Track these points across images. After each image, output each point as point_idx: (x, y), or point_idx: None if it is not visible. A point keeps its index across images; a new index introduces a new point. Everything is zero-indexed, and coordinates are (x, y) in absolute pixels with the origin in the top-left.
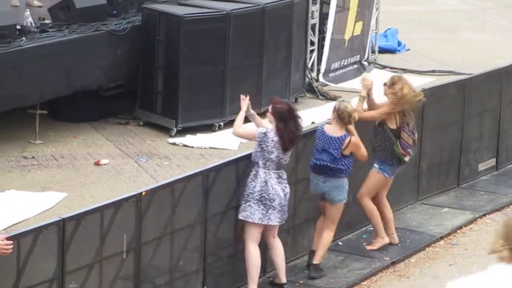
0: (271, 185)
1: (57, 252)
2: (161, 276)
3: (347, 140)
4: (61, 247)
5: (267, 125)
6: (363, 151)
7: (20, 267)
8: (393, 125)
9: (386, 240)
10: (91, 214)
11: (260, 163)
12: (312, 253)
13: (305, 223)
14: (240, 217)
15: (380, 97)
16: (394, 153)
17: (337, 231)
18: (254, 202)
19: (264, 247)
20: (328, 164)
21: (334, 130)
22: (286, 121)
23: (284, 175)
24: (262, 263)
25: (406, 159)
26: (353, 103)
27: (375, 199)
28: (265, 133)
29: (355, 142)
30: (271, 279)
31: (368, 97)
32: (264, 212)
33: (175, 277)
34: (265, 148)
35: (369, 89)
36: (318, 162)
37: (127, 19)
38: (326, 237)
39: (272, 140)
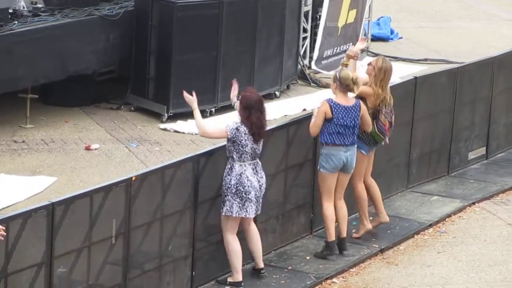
0: (246, 177)
1: (46, 237)
2: (150, 261)
3: (362, 106)
4: (50, 231)
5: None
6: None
7: (8, 251)
8: (371, 105)
9: (368, 226)
10: (80, 199)
11: (235, 156)
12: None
13: (295, 210)
14: (222, 213)
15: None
16: (370, 132)
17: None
18: (231, 196)
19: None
20: (351, 132)
21: (345, 100)
22: (251, 109)
23: (259, 165)
24: (245, 251)
25: (383, 140)
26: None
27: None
28: (236, 128)
29: (364, 107)
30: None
31: (347, 66)
32: (240, 205)
33: (164, 263)
34: (239, 142)
35: (351, 57)
36: (342, 131)
37: (120, 4)
38: (345, 207)
39: (245, 133)
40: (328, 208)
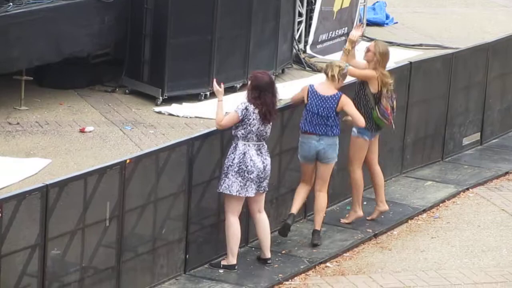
0: (249, 157)
1: (40, 219)
2: (144, 244)
3: (343, 100)
4: (44, 213)
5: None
6: (356, 112)
7: (2, 233)
8: (374, 89)
9: (360, 213)
10: (74, 181)
11: (240, 135)
12: (291, 216)
13: (289, 194)
14: (219, 190)
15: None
16: (373, 117)
17: None
18: (233, 174)
19: (246, 218)
20: (324, 122)
21: (325, 89)
22: (261, 90)
23: (265, 147)
24: (245, 233)
25: (386, 125)
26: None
27: (368, 167)
28: (245, 108)
29: (346, 101)
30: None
31: (349, 52)
32: (242, 184)
33: (157, 246)
34: (247, 122)
35: (353, 42)
36: (314, 120)
37: None
38: (323, 199)
39: (253, 112)
40: (297, 191)
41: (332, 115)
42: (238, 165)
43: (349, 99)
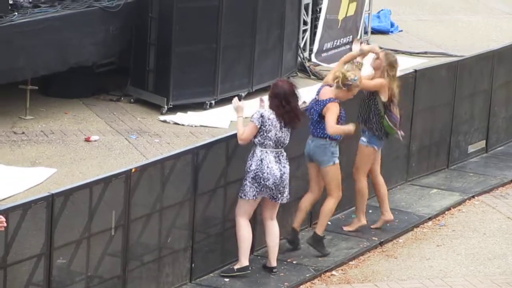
0: (267, 164)
1: (46, 228)
2: (149, 253)
3: (328, 106)
4: (49, 222)
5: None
6: (329, 119)
7: (8, 242)
8: (385, 97)
9: (363, 222)
10: (80, 190)
11: (257, 141)
12: (293, 231)
13: (295, 202)
14: (240, 195)
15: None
16: (383, 126)
17: None
18: (250, 180)
19: (254, 224)
20: (313, 124)
21: (323, 93)
22: (281, 99)
23: (284, 155)
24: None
25: (396, 133)
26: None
27: (370, 177)
28: (261, 115)
29: (329, 107)
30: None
31: (362, 65)
32: (258, 190)
33: (163, 255)
34: (263, 128)
35: (365, 56)
36: (309, 122)
37: None
38: (325, 204)
39: (269, 119)
40: (301, 201)
41: (316, 119)
42: (255, 171)
43: (336, 108)
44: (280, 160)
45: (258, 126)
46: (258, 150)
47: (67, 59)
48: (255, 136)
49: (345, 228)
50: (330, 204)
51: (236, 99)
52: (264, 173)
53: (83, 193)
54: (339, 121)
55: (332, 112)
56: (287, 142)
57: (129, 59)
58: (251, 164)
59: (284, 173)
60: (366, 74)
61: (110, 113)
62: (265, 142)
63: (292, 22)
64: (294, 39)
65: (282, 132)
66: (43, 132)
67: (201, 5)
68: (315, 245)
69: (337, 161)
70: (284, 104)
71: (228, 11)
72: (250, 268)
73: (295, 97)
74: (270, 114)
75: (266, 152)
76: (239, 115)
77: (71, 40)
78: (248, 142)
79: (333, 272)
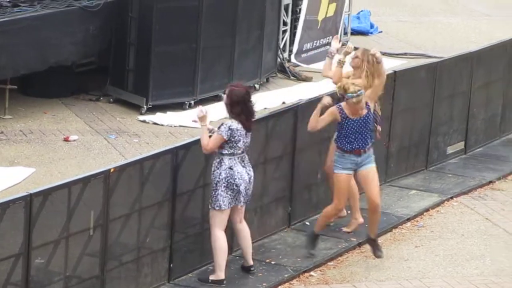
0: (236, 170)
1: (24, 227)
2: (128, 253)
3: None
4: (27, 222)
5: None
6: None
7: None
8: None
9: (360, 220)
10: (58, 190)
11: (225, 151)
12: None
13: (273, 203)
14: (214, 207)
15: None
16: None
17: (305, 211)
18: (222, 189)
19: (230, 227)
20: None
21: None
22: (241, 103)
23: (247, 158)
24: (229, 243)
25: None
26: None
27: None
28: (229, 128)
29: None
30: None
31: (344, 63)
32: (231, 197)
33: (142, 255)
34: (233, 140)
35: (348, 53)
36: None
37: None
38: (327, 207)
39: (237, 129)
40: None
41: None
42: (226, 179)
43: (335, 111)
44: (245, 164)
45: (227, 139)
46: (226, 159)
47: (46, 58)
48: (221, 147)
49: (344, 230)
50: (329, 209)
51: (201, 107)
52: (235, 179)
53: (61, 193)
54: (376, 122)
55: (326, 113)
56: (248, 145)
57: (108, 59)
58: (220, 173)
59: (251, 176)
60: (345, 72)
61: (90, 113)
62: (234, 152)
63: (272, 23)
64: (274, 40)
65: (247, 137)
66: (22, 132)
67: (181, 5)
68: (307, 240)
69: (340, 171)
70: (244, 108)
71: (208, 11)
72: (224, 282)
73: (251, 98)
74: (237, 125)
75: (234, 159)
76: (203, 124)
77: (51, 40)
78: (213, 152)
79: (312, 273)
